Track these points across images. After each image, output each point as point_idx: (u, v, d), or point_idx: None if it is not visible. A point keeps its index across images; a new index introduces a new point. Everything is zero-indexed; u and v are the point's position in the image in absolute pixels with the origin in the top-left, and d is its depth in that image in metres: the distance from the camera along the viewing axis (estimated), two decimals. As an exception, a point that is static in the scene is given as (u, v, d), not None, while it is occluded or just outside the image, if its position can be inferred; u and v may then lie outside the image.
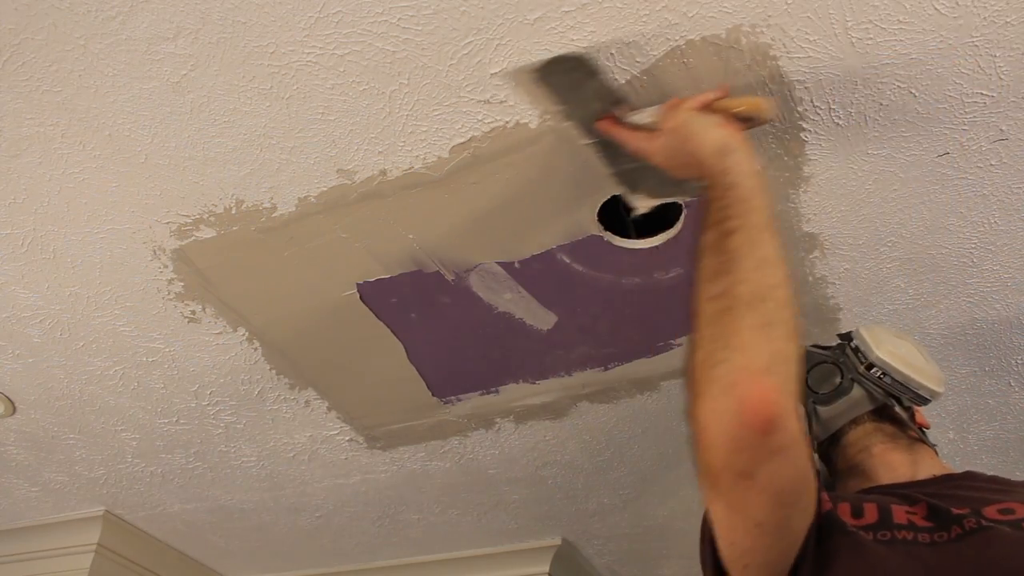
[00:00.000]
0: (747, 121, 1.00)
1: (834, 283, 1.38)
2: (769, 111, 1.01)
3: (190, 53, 1.03)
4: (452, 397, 1.66)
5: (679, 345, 1.51)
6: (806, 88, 1.07)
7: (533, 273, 1.37)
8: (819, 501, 0.77)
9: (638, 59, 1.03)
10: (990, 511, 0.79)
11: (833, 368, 1.06)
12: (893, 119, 1.11)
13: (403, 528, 2.17)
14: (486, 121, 1.11)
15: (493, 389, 1.64)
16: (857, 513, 0.82)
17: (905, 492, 0.87)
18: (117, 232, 1.30)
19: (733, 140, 0.91)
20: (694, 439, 0.73)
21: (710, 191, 0.88)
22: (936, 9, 0.97)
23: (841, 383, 1.04)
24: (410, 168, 1.18)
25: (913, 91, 1.07)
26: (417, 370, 1.59)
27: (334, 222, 1.27)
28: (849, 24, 0.99)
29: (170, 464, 1.89)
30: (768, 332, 0.76)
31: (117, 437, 1.79)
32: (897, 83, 1.06)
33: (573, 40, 1.01)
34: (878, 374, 1.04)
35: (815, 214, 1.25)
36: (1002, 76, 1.05)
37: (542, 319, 1.46)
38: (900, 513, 0.80)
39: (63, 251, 1.34)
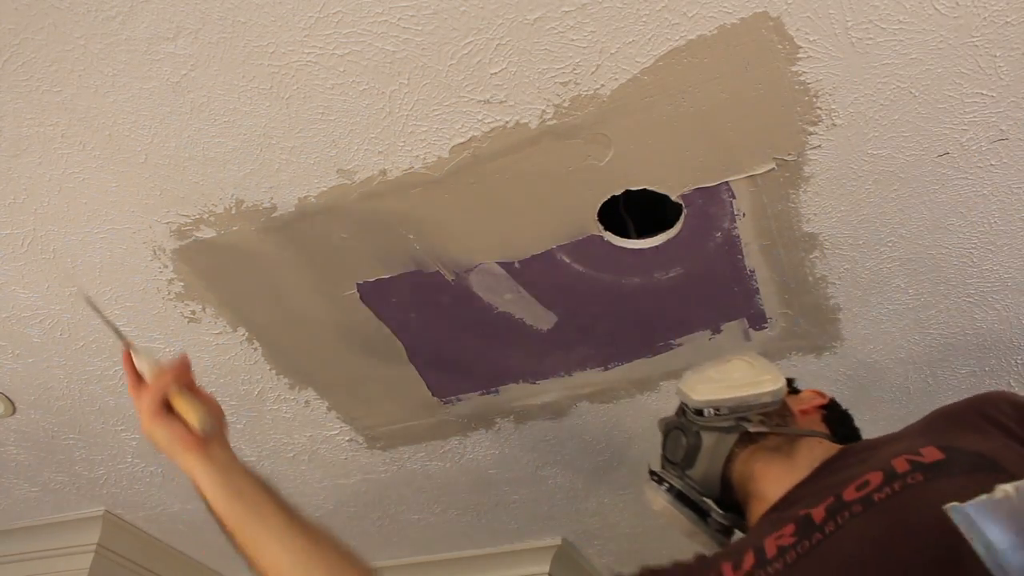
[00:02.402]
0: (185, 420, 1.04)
1: (834, 283, 1.38)
2: (195, 429, 1.03)
3: (190, 53, 1.03)
4: (452, 397, 1.66)
5: (679, 345, 1.51)
6: (806, 88, 1.07)
7: (533, 273, 1.37)
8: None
9: (638, 59, 1.03)
10: (849, 492, 0.80)
11: (677, 432, 1.06)
12: (893, 119, 1.11)
13: (403, 528, 2.17)
14: (486, 121, 1.11)
15: (493, 389, 1.64)
16: (737, 565, 0.85)
17: (778, 515, 0.89)
18: (117, 232, 1.30)
19: (188, 470, 1.04)
20: None
21: None
22: (936, 9, 0.97)
23: (688, 441, 1.04)
24: (410, 168, 1.18)
25: (913, 91, 1.07)
26: (417, 370, 1.59)
27: (334, 222, 1.27)
28: (849, 24, 0.99)
29: (170, 464, 1.87)
30: None
31: (117, 437, 1.79)
32: (897, 83, 1.06)
33: (573, 40, 1.01)
34: (712, 413, 1.03)
35: (815, 214, 1.26)
36: (1002, 76, 1.05)
37: (542, 319, 1.46)
38: (771, 545, 0.82)
39: (63, 251, 1.34)
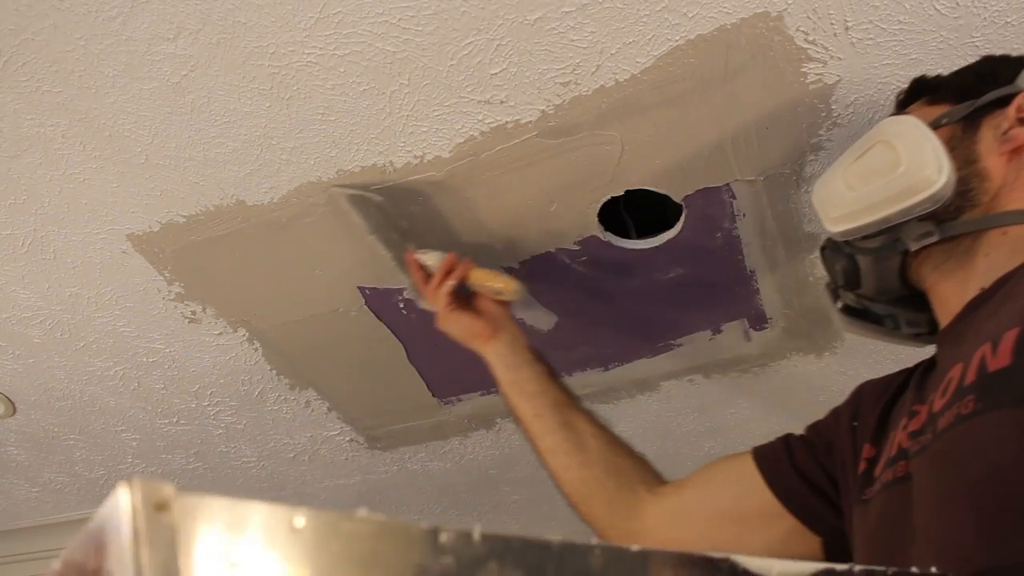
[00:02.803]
0: (499, 293, 1.15)
1: (834, 283, 1.38)
2: (512, 294, 1.15)
3: (190, 54, 1.03)
4: (452, 397, 1.66)
5: (679, 345, 1.51)
6: (807, 88, 1.07)
7: (533, 273, 1.36)
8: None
9: (638, 59, 1.03)
10: (945, 389, 0.71)
11: (830, 252, 0.92)
12: (893, 119, 1.11)
13: (403, 528, 2.17)
14: (486, 121, 1.11)
15: (493, 389, 1.63)
16: (856, 457, 0.84)
17: (944, 351, 0.78)
18: (117, 232, 1.30)
19: (483, 352, 1.15)
20: None
21: None
22: (936, 9, 0.97)
23: (844, 264, 0.89)
24: (410, 168, 1.18)
25: (913, 91, 1.07)
26: (417, 371, 1.59)
27: (335, 223, 1.27)
28: (849, 24, 0.99)
29: (170, 465, 1.89)
30: None
31: (117, 438, 1.79)
32: (898, 83, 1.05)
33: (573, 41, 1.01)
34: (859, 238, 0.85)
35: (816, 214, 1.25)
36: (1002, 76, 1.05)
37: (542, 319, 1.46)
38: (894, 444, 0.78)
39: (63, 252, 1.34)
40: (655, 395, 1.65)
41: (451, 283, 1.13)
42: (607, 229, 1.29)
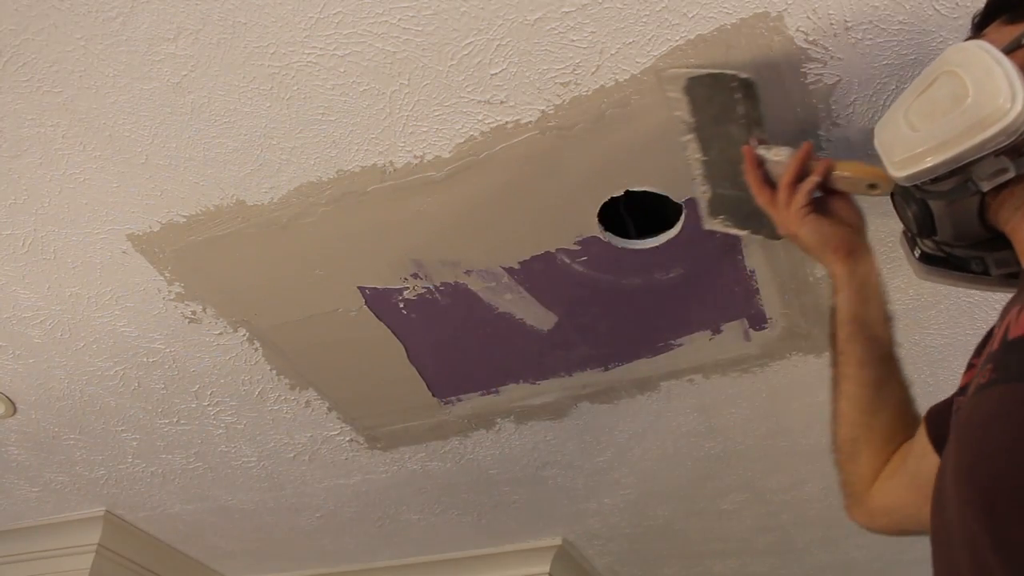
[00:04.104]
0: (872, 187, 0.97)
1: (834, 283, 1.38)
2: (891, 185, 0.93)
3: (190, 54, 1.03)
4: (452, 397, 1.66)
5: (679, 345, 1.51)
6: (806, 89, 1.07)
7: (533, 273, 1.37)
8: None
9: (638, 59, 1.03)
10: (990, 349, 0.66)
11: (899, 199, 0.84)
12: (893, 119, 1.11)
13: (403, 528, 2.17)
14: (486, 121, 1.11)
15: (493, 389, 1.64)
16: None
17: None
18: (117, 232, 1.30)
19: (832, 273, 0.97)
20: None
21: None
22: (936, 9, 0.97)
23: (916, 210, 0.82)
24: (410, 168, 1.18)
25: (913, 91, 1.07)
26: (417, 371, 1.59)
27: (335, 223, 1.27)
28: (849, 24, 0.99)
29: (171, 464, 1.89)
30: None
31: (118, 437, 1.79)
32: (897, 83, 1.06)
33: (573, 41, 1.01)
34: (928, 181, 0.77)
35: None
36: (1002, 76, 1.05)
37: (542, 319, 1.46)
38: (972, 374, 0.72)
39: (64, 252, 1.34)
40: (655, 395, 1.65)
41: (816, 179, 0.96)
42: (607, 229, 1.29)
